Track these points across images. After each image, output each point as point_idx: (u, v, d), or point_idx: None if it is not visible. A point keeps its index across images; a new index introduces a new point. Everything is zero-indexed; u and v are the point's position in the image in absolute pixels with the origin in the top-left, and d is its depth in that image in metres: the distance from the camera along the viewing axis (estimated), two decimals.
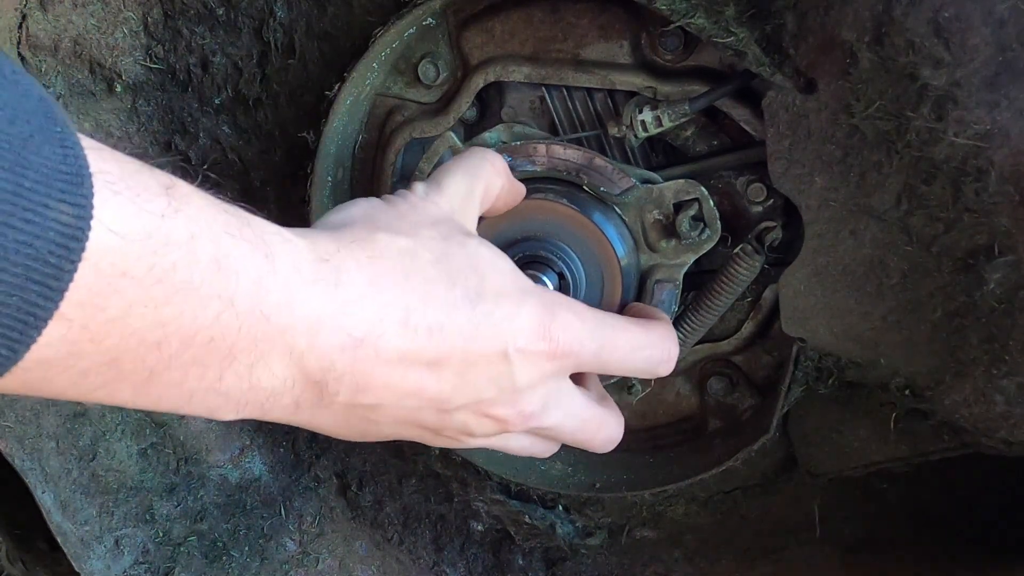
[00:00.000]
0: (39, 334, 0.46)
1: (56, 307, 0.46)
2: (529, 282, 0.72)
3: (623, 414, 1.05)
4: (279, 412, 0.63)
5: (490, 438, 0.73)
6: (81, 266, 0.46)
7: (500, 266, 0.71)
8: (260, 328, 0.56)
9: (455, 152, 0.93)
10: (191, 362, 0.54)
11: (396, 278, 0.64)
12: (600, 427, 0.78)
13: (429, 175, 0.80)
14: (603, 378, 0.95)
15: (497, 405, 0.70)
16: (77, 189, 0.46)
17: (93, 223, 0.46)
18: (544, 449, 0.79)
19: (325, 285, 0.60)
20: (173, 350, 0.53)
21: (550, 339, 0.69)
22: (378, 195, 0.78)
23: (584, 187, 0.89)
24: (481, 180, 0.78)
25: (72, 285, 0.46)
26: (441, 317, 0.64)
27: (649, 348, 0.77)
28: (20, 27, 0.96)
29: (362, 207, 0.72)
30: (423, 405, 0.67)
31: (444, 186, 0.76)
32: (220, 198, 0.57)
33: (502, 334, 0.67)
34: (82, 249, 0.46)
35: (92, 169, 0.47)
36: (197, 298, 0.52)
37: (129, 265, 0.48)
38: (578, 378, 0.80)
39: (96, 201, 0.46)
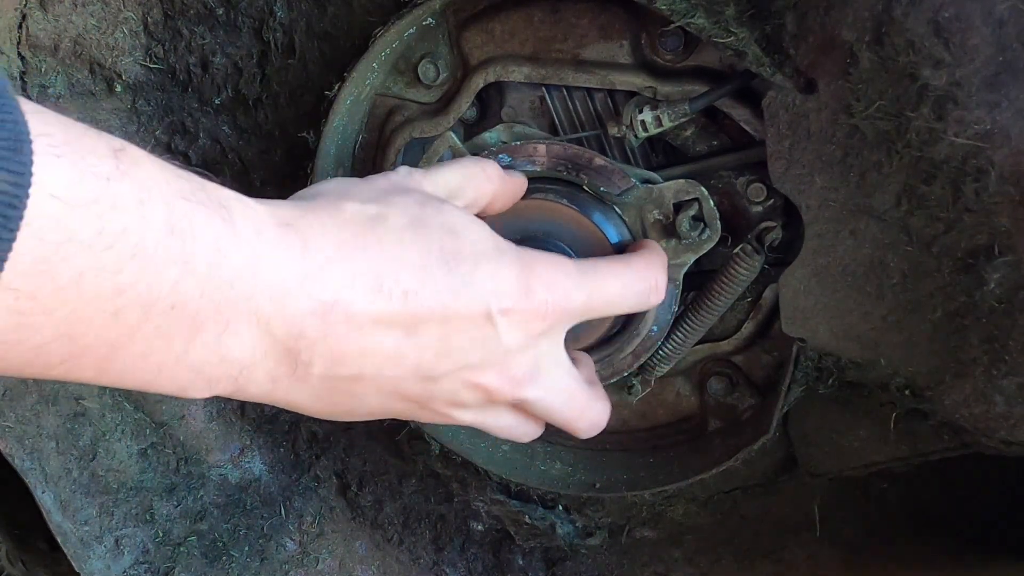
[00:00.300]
0: None
1: None
2: (508, 243, 0.70)
3: (623, 414, 1.06)
4: (255, 388, 0.61)
5: (478, 412, 0.71)
6: (22, 234, 0.45)
7: (477, 229, 0.68)
8: (223, 294, 0.54)
9: (455, 152, 0.93)
10: (154, 334, 0.53)
11: (366, 242, 0.62)
12: (586, 407, 0.75)
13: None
14: (601, 378, 0.95)
15: (485, 370, 0.67)
16: (15, 156, 0.44)
17: (32, 190, 0.45)
18: (528, 431, 0.76)
19: (289, 249, 0.58)
20: (133, 320, 0.51)
21: (534, 295, 0.67)
22: None
23: (584, 187, 0.89)
24: (472, 182, 0.77)
25: (12, 254, 0.45)
26: (416, 281, 0.62)
27: (635, 282, 0.75)
28: (20, 27, 0.96)
29: (334, 183, 0.70)
30: (405, 374, 0.64)
31: (433, 173, 0.74)
32: (176, 164, 0.55)
33: (483, 295, 0.65)
34: (20, 217, 0.44)
35: (33, 133, 0.46)
36: (153, 264, 0.51)
37: (75, 230, 0.47)
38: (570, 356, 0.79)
39: (36, 166, 0.45)
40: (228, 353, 0.57)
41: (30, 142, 0.45)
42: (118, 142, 0.51)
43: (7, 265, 0.45)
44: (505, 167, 0.89)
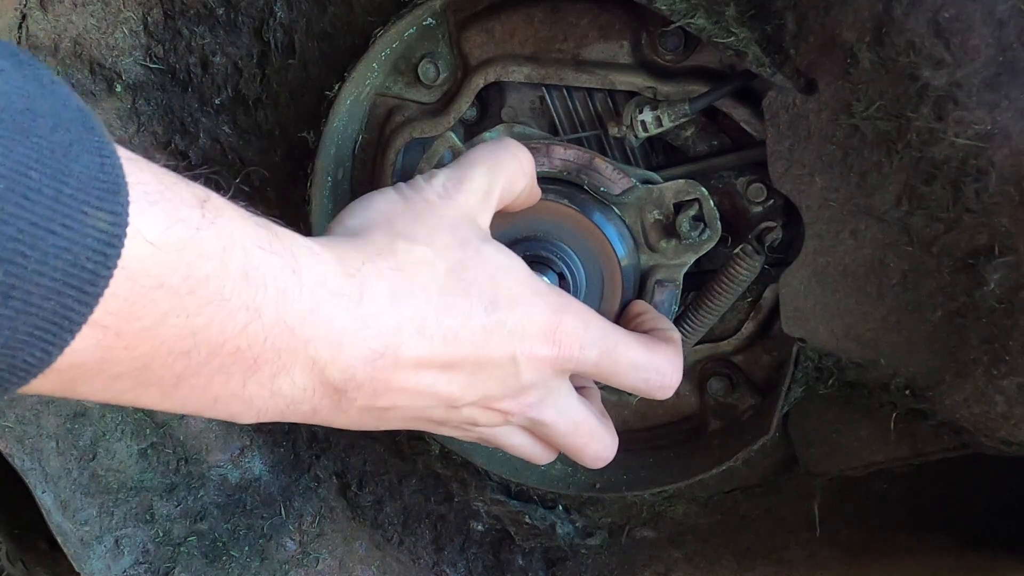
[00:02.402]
0: (73, 338, 0.46)
1: (91, 312, 0.46)
2: (542, 284, 0.74)
3: (623, 414, 1.06)
4: (297, 417, 0.65)
5: (493, 429, 0.76)
6: (117, 274, 0.47)
7: (514, 271, 0.72)
8: (285, 339, 0.58)
9: (455, 152, 0.93)
10: (217, 370, 0.56)
11: (415, 290, 0.66)
12: (592, 437, 0.80)
13: (452, 161, 0.79)
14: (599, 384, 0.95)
15: (502, 400, 0.72)
16: (114, 197, 0.46)
17: (129, 231, 0.47)
18: (541, 453, 0.81)
19: (349, 300, 0.61)
20: (202, 358, 0.54)
21: (554, 342, 0.72)
22: None
23: (584, 187, 0.89)
24: (503, 176, 0.78)
25: (107, 292, 0.47)
26: (456, 325, 0.67)
27: (649, 371, 0.78)
28: (20, 27, 0.96)
29: (379, 207, 0.72)
30: (434, 404, 0.69)
31: (465, 181, 0.75)
32: (251, 211, 0.58)
33: (513, 341, 0.70)
34: (117, 256, 0.46)
35: (129, 180, 0.48)
36: (227, 309, 0.53)
37: (165, 276, 0.49)
38: (580, 392, 0.81)
39: (133, 211, 0.47)
40: (280, 390, 0.60)
41: (126, 185, 0.47)
42: (203, 191, 0.54)
43: (101, 302, 0.47)
44: None
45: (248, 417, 0.62)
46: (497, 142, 0.79)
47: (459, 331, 0.67)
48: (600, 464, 0.82)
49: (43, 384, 0.49)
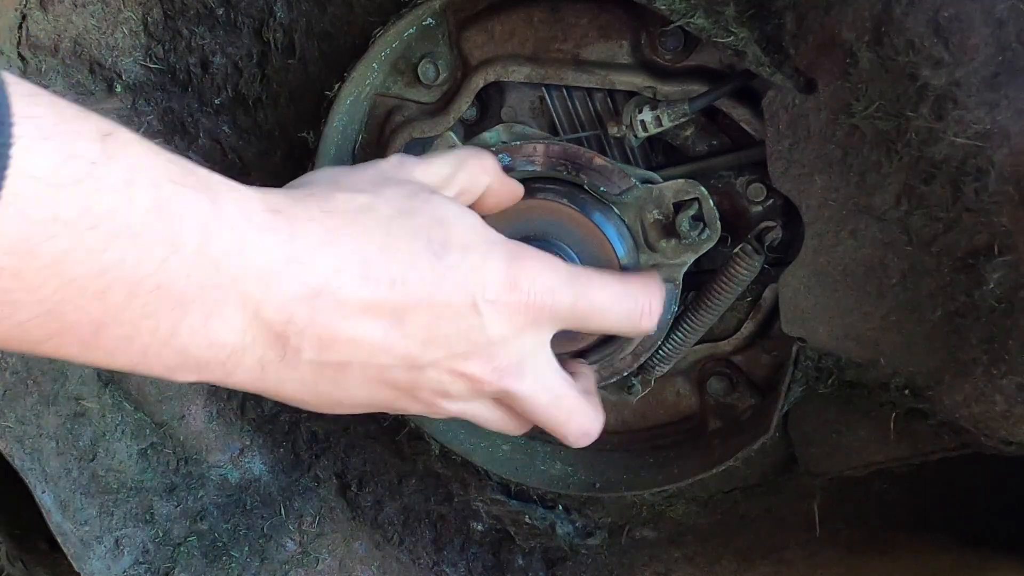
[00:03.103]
0: None
1: None
2: (498, 235, 0.69)
3: (623, 413, 1.06)
4: (244, 375, 0.61)
5: (465, 404, 0.71)
6: (5, 211, 0.46)
7: (467, 219, 0.68)
8: (210, 276, 0.55)
9: None
10: (140, 314, 0.53)
11: (354, 231, 0.62)
12: (574, 412, 0.74)
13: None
14: (601, 379, 0.95)
15: (469, 360, 0.67)
16: None
17: (12, 170, 0.46)
18: (516, 425, 0.75)
19: (277, 233, 0.58)
20: (118, 300, 0.52)
21: (519, 289, 0.67)
22: None
23: (584, 187, 0.89)
24: (465, 172, 0.77)
25: None
26: (403, 269, 0.62)
27: (626, 300, 0.74)
28: (20, 27, 0.97)
29: (324, 172, 0.71)
30: (392, 362, 0.64)
31: (425, 161, 0.74)
32: (167, 149, 0.56)
33: (469, 284, 0.65)
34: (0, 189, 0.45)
35: (19, 115, 0.47)
36: (138, 244, 0.51)
37: (59, 209, 0.48)
38: (569, 369, 0.79)
39: (19, 148, 0.46)
40: (216, 337, 0.57)
41: (11, 124, 0.46)
42: (108, 125, 0.52)
43: None
44: (505, 167, 0.89)
45: (187, 372, 0.58)
46: (464, 147, 0.79)
47: (407, 276, 0.62)
48: (585, 442, 0.76)
49: None
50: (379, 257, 0.62)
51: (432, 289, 0.64)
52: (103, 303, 0.51)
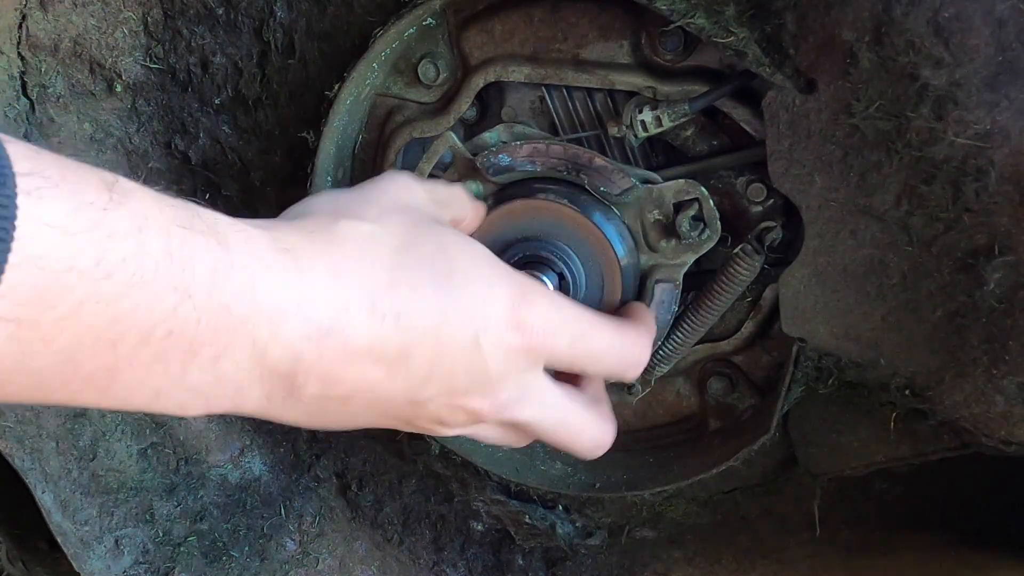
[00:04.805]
0: None
1: None
2: (506, 267, 0.69)
3: (623, 414, 1.06)
4: (251, 406, 0.61)
5: (464, 428, 0.71)
6: (22, 263, 0.45)
7: (472, 250, 0.68)
8: (221, 319, 0.55)
9: (455, 152, 0.93)
10: (152, 359, 0.53)
11: (360, 264, 0.62)
12: (583, 430, 0.75)
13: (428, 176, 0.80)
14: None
15: (470, 395, 0.67)
16: None
17: (29, 216, 0.45)
18: (518, 439, 0.75)
19: (285, 274, 0.58)
20: (131, 347, 0.52)
21: (522, 328, 0.67)
22: None
23: (584, 187, 0.89)
24: (456, 200, 0.80)
25: (13, 281, 0.45)
26: (408, 303, 0.62)
27: (622, 350, 0.74)
28: (20, 27, 0.96)
29: (326, 197, 0.71)
30: (393, 396, 0.65)
31: (429, 187, 0.75)
32: (168, 194, 0.56)
33: (472, 320, 0.64)
34: (7, 249, 0.45)
35: (23, 167, 0.46)
36: (151, 291, 0.51)
37: (75, 259, 0.48)
38: (576, 378, 0.79)
39: (32, 197, 0.46)
40: (224, 376, 0.57)
41: (12, 172, 0.46)
42: (110, 176, 0.52)
43: (6, 293, 0.45)
44: (505, 167, 0.89)
45: (197, 407, 0.58)
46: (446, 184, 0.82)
47: (411, 310, 0.62)
48: (599, 453, 0.77)
49: None
50: (385, 292, 0.62)
51: (437, 322, 0.64)
52: (116, 351, 0.52)
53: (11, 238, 0.45)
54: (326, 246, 0.62)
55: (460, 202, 0.81)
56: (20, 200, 0.45)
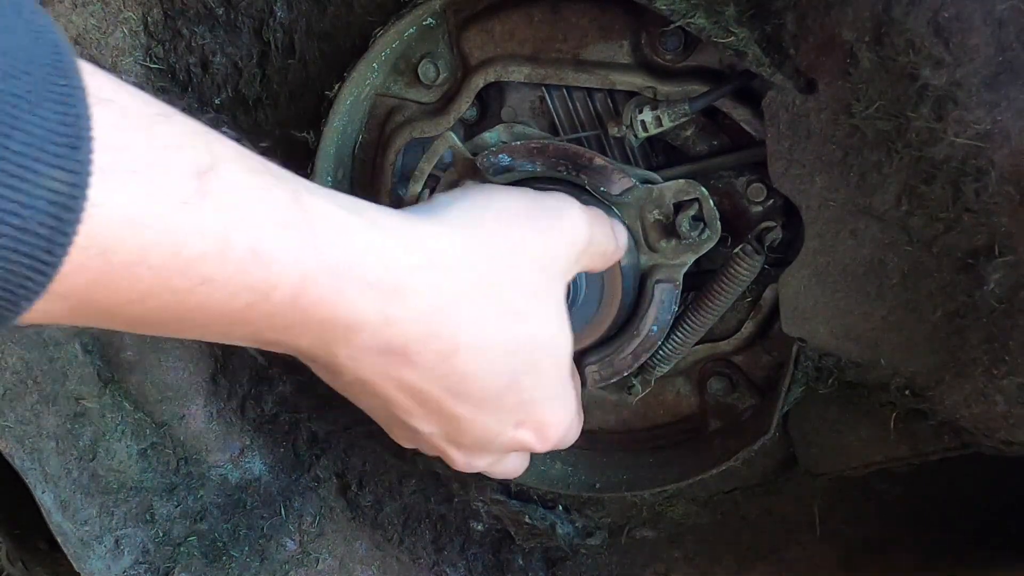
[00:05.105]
0: (30, 306, 0.42)
1: (48, 281, 0.42)
2: (570, 386, 0.75)
3: (623, 414, 1.06)
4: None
5: (420, 443, 0.75)
6: (87, 250, 0.42)
7: (555, 364, 0.71)
8: (296, 318, 0.53)
9: (455, 152, 0.93)
10: (207, 332, 0.53)
11: (458, 317, 0.62)
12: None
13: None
14: (601, 378, 0.95)
15: (456, 447, 0.72)
16: (72, 153, 0.41)
17: (103, 202, 0.42)
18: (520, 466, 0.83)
19: (382, 294, 0.57)
20: (194, 324, 0.51)
21: (546, 442, 0.74)
22: (377, 196, 0.78)
23: (584, 187, 0.89)
24: (604, 240, 0.82)
25: (75, 265, 0.42)
26: (479, 385, 0.65)
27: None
28: None
29: (476, 197, 0.72)
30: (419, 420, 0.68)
31: (597, 222, 0.79)
32: (280, 176, 0.52)
33: (515, 441, 0.72)
34: (76, 221, 0.41)
35: (109, 142, 0.42)
36: (226, 291, 0.49)
37: (147, 254, 0.45)
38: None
39: (110, 180, 0.42)
40: (280, 343, 0.57)
41: (90, 139, 0.42)
42: (207, 158, 0.48)
43: (66, 278, 0.42)
44: (505, 167, 0.89)
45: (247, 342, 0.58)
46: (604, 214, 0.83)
47: (473, 417, 0.67)
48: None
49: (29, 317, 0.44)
50: (458, 356, 0.63)
51: (490, 435, 0.70)
52: (176, 326, 0.50)
53: (81, 208, 0.41)
54: (437, 284, 0.61)
55: (613, 252, 0.83)
56: (94, 179, 0.42)
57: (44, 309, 0.43)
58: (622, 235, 0.85)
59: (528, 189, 0.78)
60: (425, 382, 0.63)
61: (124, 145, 0.44)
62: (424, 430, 0.68)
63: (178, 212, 0.45)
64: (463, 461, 0.73)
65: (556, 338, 0.71)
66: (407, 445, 0.74)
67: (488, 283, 0.64)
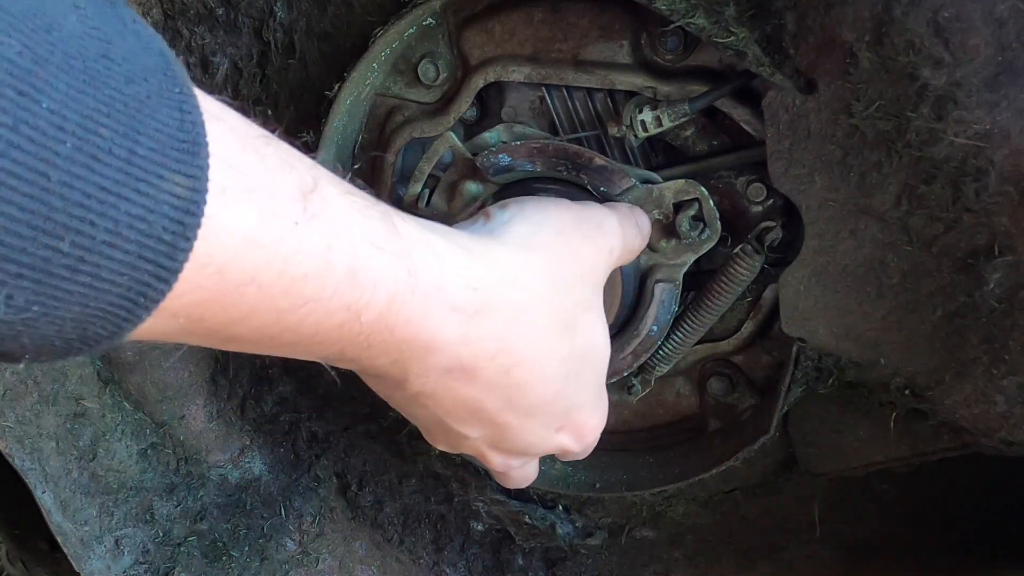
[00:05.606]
0: (148, 316, 0.42)
1: (168, 289, 0.42)
2: (603, 398, 0.79)
3: (623, 414, 1.06)
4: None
5: (462, 447, 0.78)
6: (203, 268, 0.43)
7: (597, 364, 0.75)
8: (381, 337, 0.55)
9: (456, 152, 0.93)
10: (297, 350, 0.54)
11: (527, 344, 0.65)
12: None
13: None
14: None
15: (495, 451, 0.75)
16: (192, 159, 0.41)
17: (211, 222, 0.42)
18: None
19: (462, 315, 0.59)
20: (284, 342, 0.52)
21: (583, 444, 0.78)
22: (377, 196, 0.78)
23: (584, 187, 0.89)
24: (632, 237, 0.84)
25: (191, 283, 0.42)
26: (537, 396, 0.68)
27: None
28: None
29: (529, 224, 0.73)
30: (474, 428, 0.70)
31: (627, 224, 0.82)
32: (373, 200, 0.54)
33: (556, 444, 0.75)
34: (196, 226, 0.41)
35: (226, 159, 0.43)
36: (325, 308, 0.50)
37: (257, 273, 0.46)
38: None
39: (223, 199, 0.43)
40: (352, 359, 0.59)
41: (206, 143, 0.42)
42: (309, 179, 0.49)
43: (182, 295, 0.43)
44: (505, 167, 0.89)
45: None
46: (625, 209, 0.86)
47: (520, 425, 0.69)
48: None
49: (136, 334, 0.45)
50: (519, 369, 0.65)
51: (532, 443, 0.73)
52: (270, 342, 0.51)
53: (201, 213, 0.42)
54: (514, 308, 0.64)
55: (640, 245, 0.86)
56: (211, 197, 0.42)
57: (151, 326, 0.43)
58: (645, 224, 0.87)
59: (568, 201, 0.81)
60: (483, 393, 0.65)
61: (237, 163, 0.45)
62: (471, 436, 0.70)
63: (289, 232, 0.47)
64: (501, 463, 0.76)
65: (600, 346, 0.75)
66: (444, 449, 0.76)
67: (547, 299, 0.67)
